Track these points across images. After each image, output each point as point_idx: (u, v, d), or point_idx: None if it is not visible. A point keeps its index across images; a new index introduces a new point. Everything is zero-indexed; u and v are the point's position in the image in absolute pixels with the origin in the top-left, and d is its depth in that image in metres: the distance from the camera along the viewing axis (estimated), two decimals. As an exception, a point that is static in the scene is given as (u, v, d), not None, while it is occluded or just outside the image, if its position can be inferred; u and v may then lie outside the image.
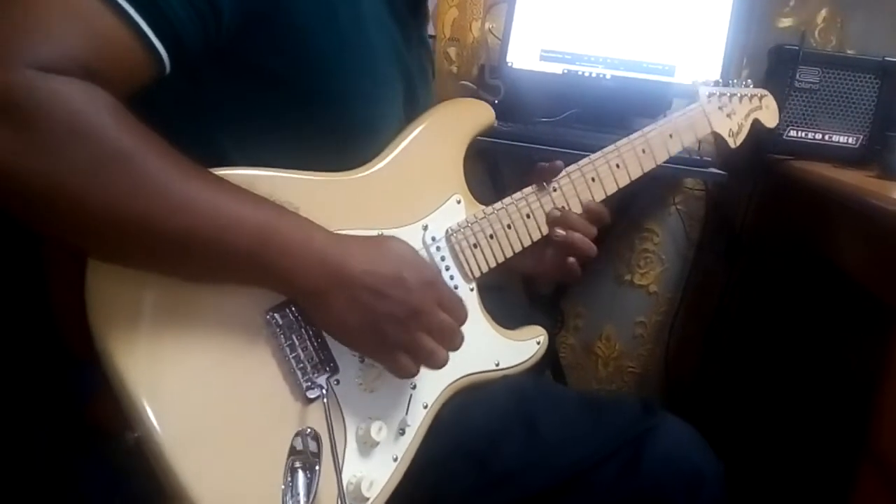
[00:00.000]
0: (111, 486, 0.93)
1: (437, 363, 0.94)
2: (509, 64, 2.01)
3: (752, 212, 2.19)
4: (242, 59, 0.90)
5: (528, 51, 2.00)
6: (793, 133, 1.98)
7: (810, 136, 1.99)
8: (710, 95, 1.33)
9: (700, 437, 1.14)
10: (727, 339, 2.31)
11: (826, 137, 1.99)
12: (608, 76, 2.00)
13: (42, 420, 0.98)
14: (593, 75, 2.00)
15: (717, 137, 1.35)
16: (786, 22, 2.21)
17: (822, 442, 1.62)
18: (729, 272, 2.29)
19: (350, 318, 0.89)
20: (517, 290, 2.30)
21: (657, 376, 2.47)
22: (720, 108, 1.33)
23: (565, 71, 2.00)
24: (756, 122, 1.42)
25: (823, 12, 2.21)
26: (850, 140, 1.98)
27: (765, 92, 1.45)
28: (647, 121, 2.08)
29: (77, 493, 0.96)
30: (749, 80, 1.44)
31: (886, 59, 1.94)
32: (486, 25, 2.21)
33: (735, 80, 1.41)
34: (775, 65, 2.02)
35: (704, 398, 2.33)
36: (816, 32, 2.21)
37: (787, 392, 1.92)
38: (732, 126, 1.36)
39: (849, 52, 2.17)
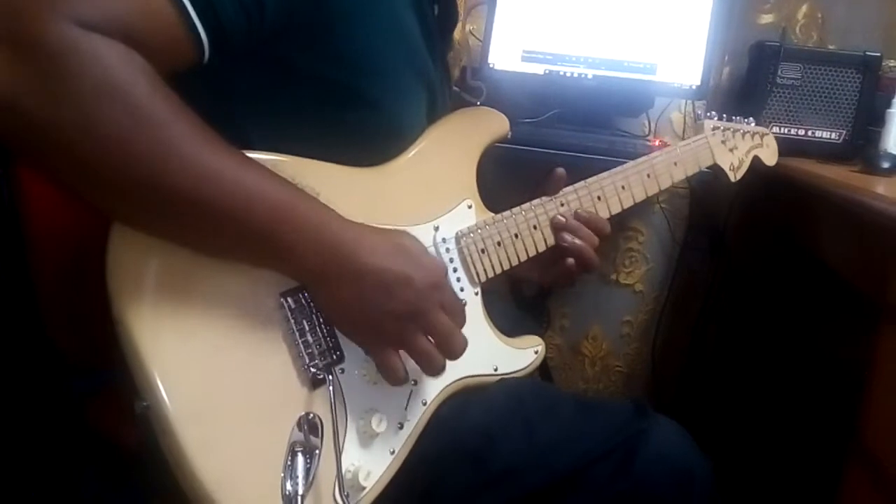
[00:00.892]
0: (109, 489, 0.94)
1: (433, 364, 0.95)
2: (491, 65, 2.00)
3: (736, 209, 2.19)
4: (281, 55, 0.93)
5: (510, 52, 2.00)
6: (775, 129, 1.97)
7: (793, 132, 1.99)
8: (715, 129, 1.41)
9: (690, 438, 1.16)
10: (713, 336, 2.31)
11: (809, 133, 1.99)
12: (590, 76, 1.99)
13: (40, 424, 0.98)
14: (575, 75, 1.99)
15: (718, 170, 1.42)
16: (766, 18, 2.22)
17: (810, 438, 1.62)
18: (714, 270, 2.29)
19: (352, 309, 0.90)
20: (502, 290, 2.29)
21: (644, 375, 2.47)
22: (723, 141, 1.42)
23: (547, 71, 2.00)
24: (756, 159, 1.49)
25: (804, 8, 2.21)
26: (833, 135, 1.99)
27: (766, 131, 1.53)
28: (630, 120, 2.10)
29: (76, 496, 0.97)
30: (752, 119, 1.49)
31: (867, 53, 1.94)
32: (467, 27, 2.21)
33: (738, 117, 1.47)
34: (757, 61, 2.02)
35: (691, 396, 2.33)
36: (797, 28, 2.21)
37: (774, 389, 1.92)
38: (734, 161, 1.44)
39: (830, 47, 2.18)
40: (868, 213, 1.24)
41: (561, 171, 1.20)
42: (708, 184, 2.14)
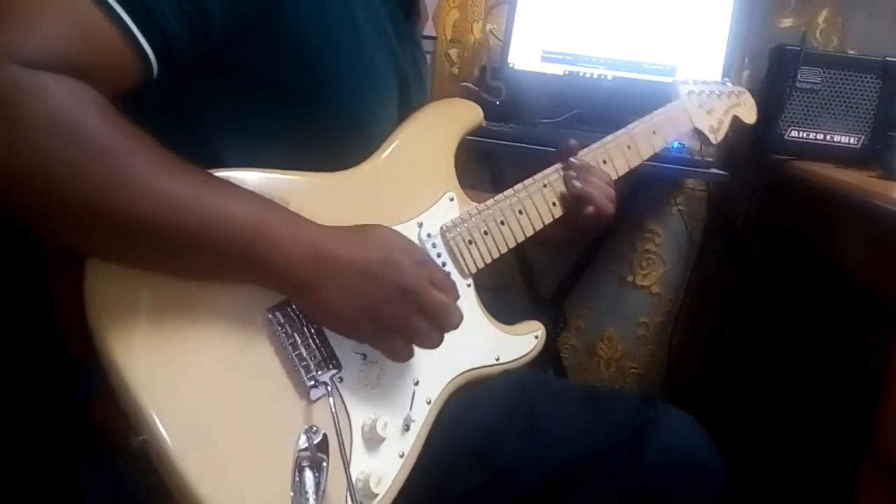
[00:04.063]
0: (112, 489, 0.93)
1: (431, 343, 0.94)
2: (510, 65, 2.01)
3: (754, 212, 2.19)
4: (235, 64, 0.91)
5: (530, 52, 2.00)
6: (794, 133, 1.98)
7: (811, 136, 1.99)
8: (690, 93, 1.37)
9: (701, 428, 1.13)
10: (729, 339, 2.31)
11: (827, 137, 1.99)
12: (609, 77, 2.00)
13: (42, 422, 0.98)
14: (594, 76, 2.00)
15: (699, 135, 1.38)
16: (787, 22, 2.21)
17: (825, 441, 1.62)
18: (731, 272, 2.29)
19: (345, 306, 0.88)
20: (518, 291, 2.30)
21: (659, 377, 2.47)
22: (700, 105, 1.38)
23: (566, 72, 2.01)
24: (735, 119, 1.45)
25: (824, 12, 2.21)
26: (852, 140, 1.98)
27: (742, 89, 1.49)
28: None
29: (78, 496, 0.96)
30: (727, 79, 1.48)
31: (887, 59, 1.94)
32: (488, 27, 2.21)
33: (710, 80, 1.44)
34: (776, 65, 2.02)
35: (707, 398, 2.33)
36: (818, 33, 2.21)
37: (789, 391, 1.92)
38: (713, 122, 1.39)
39: (850, 52, 2.17)
40: (885, 217, 1.24)
41: (572, 142, 1.19)
42: (725, 186, 2.14)
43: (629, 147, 1.25)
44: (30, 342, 0.98)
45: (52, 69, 0.72)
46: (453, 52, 2.20)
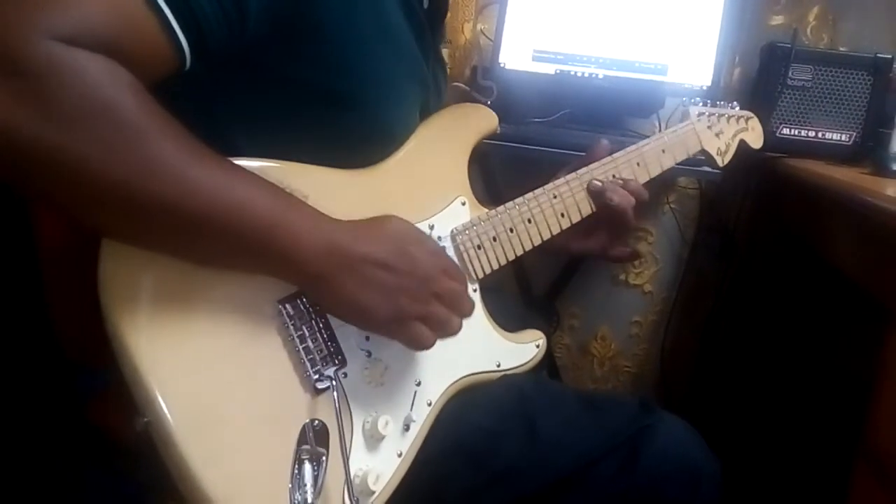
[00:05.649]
0: (112, 488, 0.94)
1: (453, 329, 0.97)
2: (501, 65, 2.01)
3: (746, 210, 2.19)
4: (265, 62, 0.92)
5: (521, 51, 2.00)
6: (786, 131, 1.98)
7: (803, 133, 1.99)
8: (700, 115, 1.42)
9: (697, 435, 1.15)
10: (722, 337, 2.31)
11: (819, 135, 1.99)
12: (601, 76, 1.99)
13: (42, 424, 0.99)
14: (586, 75, 1.99)
15: (707, 156, 1.43)
16: (778, 20, 2.21)
17: (818, 440, 1.62)
18: (723, 271, 2.29)
19: (363, 297, 0.90)
20: (511, 290, 2.30)
21: (653, 376, 2.47)
22: (709, 127, 1.43)
23: (558, 71, 2.00)
24: (742, 143, 1.50)
25: (815, 10, 2.21)
26: (843, 137, 1.98)
27: (750, 114, 1.53)
28: (640, 120, 2.10)
29: (78, 496, 0.96)
30: (735, 103, 1.50)
31: (878, 55, 1.94)
32: (478, 26, 2.21)
33: (722, 102, 1.48)
34: (767, 63, 2.02)
35: (700, 397, 2.33)
36: (808, 30, 2.21)
37: (782, 391, 1.92)
38: (720, 145, 1.44)
39: (841, 49, 2.17)
40: (877, 215, 1.24)
41: (605, 143, 1.25)
42: (718, 184, 2.14)
43: (639, 164, 1.29)
44: (28, 345, 0.98)
45: (88, 48, 0.72)
46: (444, 53, 2.19)
